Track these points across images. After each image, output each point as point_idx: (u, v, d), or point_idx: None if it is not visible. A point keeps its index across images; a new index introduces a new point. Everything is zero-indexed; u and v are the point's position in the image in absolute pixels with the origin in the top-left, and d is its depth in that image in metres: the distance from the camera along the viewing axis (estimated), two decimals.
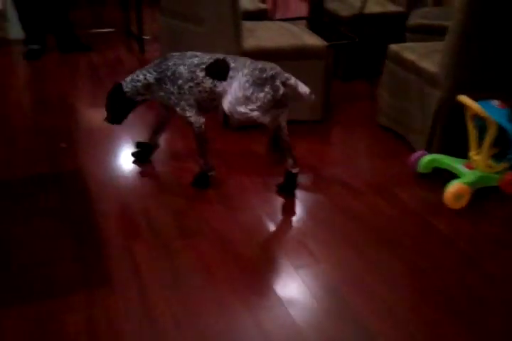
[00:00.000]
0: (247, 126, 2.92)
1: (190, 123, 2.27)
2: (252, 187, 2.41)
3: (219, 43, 2.91)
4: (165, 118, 2.50)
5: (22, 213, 2.19)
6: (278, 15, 4.85)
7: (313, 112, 2.96)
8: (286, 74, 2.14)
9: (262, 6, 3.84)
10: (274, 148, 2.32)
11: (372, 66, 3.53)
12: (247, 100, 2.09)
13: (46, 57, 4.03)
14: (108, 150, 2.71)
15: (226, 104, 2.15)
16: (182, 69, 2.22)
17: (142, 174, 2.51)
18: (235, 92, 2.12)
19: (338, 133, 2.99)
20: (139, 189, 2.38)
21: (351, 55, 3.56)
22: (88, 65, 3.92)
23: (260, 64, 2.16)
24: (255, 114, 2.11)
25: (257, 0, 4.15)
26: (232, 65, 2.17)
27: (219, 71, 2.18)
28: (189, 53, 2.30)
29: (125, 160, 2.61)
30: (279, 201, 2.32)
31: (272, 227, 2.16)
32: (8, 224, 2.12)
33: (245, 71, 2.12)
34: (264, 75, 2.09)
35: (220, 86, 2.18)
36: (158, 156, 2.62)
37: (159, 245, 2.02)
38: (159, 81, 2.26)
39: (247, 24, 3.04)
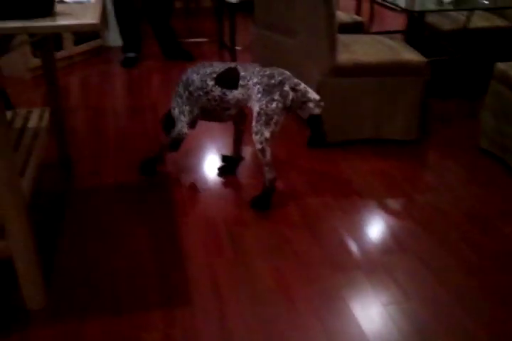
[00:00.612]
0: (331, 144, 2.83)
1: (176, 128, 2.37)
2: (336, 207, 2.31)
3: (312, 56, 2.84)
4: (239, 131, 2.52)
5: (102, 224, 2.22)
6: (374, 28, 4.71)
7: (407, 131, 2.81)
8: (296, 80, 2.15)
9: (358, 18, 3.73)
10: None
11: (474, 84, 3.32)
12: (266, 117, 2.11)
13: (141, 64, 4.15)
14: (195, 161, 2.71)
15: (253, 127, 2.17)
16: (195, 77, 2.30)
17: (227, 187, 2.47)
18: (255, 107, 2.15)
19: (434, 155, 2.81)
20: (224, 203, 2.34)
21: (452, 71, 3.37)
22: (181, 73, 3.95)
23: (268, 70, 2.17)
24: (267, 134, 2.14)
25: (352, 12, 4.04)
26: (242, 73, 2.20)
27: (228, 80, 2.22)
28: (207, 63, 2.36)
29: (212, 172, 2.59)
30: (367, 225, 2.20)
31: (357, 255, 2.03)
32: (86, 237, 2.14)
33: (255, 79, 2.15)
34: (273, 81, 2.11)
35: (231, 94, 2.21)
36: (245, 169, 2.59)
37: (241, 264, 1.96)
38: (179, 87, 2.38)
39: (342, 37, 2.95)
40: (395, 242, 2.09)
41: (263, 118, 2.12)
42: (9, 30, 1.27)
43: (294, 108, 2.18)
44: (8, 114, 2.55)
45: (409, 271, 1.94)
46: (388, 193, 2.43)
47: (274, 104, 2.10)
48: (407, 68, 2.71)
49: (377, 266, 1.96)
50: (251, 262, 1.97)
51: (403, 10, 3.15)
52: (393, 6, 3.37)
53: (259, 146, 2.17)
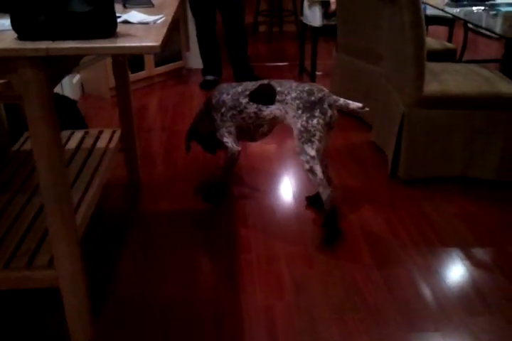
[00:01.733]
0: (419, 179, 2.59)
1: (226, 148, 2.35)
2: (415, 252, 2.07)
3: (397, 85, 2.63)
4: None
5: (162, 253, 2.10)
6: (466, 56, 4.42)
7: (502, 171, 2.50)
8: (335, 97, 2.10)
9: (449, 45, 3.48)
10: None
11: None
12: (307, 133, 2.06)
13: None
14: (263, 190, 2.56)
15: (296, 147, 2.12)
16: (225, 97, 2.29)
17: (296, 220, 2.29)
18: (295, 124, 2.10)
19: None
20: (291, 238, 2.17)
21: None
22: None
23: (307, 86, 2.13)
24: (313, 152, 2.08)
25: (443, 39, 3.80)
26: (278, 88, 2.17)
27: (264, 95, 2.20)
28: (235, 83, 2.34)
29: (279, 202, 2.43)
30: (449, 277, 1.94)
31: (437, 313, 1.79)
32: (143, 265, 2.04)
33: (293, 94, 2.11)
34: (313, 98, 2.08)
35: (267, 110, 2.20)
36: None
37: (303, 311, 1.77)
38: (207, 110, 2.38)
39: (431, 65, 2.73)
40: (481, 302, 1.82)
41: (305, 135, 2.07)
42: (63, 51, 1.19)
43: (331, 124, 2.13)
44: (80, 134, 2.54)
45: (498, 338, 1.67)
46: (476, 241, 2.16)
47: (315, 121, 2.06)
48: (504, 102, 2.44)
49: (460, 329, 1.70)
50: (314, 309, 1.78)
51: (500, 36, 2.88)
52: (489, 33, 3.10)
53: (306, 166, 2.10)
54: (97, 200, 2.02)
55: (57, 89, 3.55)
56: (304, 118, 2.06)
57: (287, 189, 2.57)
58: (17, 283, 1.56)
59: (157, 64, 4.18)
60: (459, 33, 4.65)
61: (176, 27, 4.29)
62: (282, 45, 5.47)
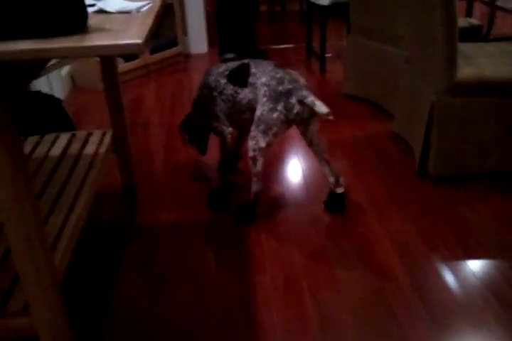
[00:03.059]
0: (452, 175, 2.29)
1: (218, 133, 2.18)
2: (452, 263, 1.79)
3: (423, 71, 2.32)
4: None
5: (162, 272, 1.83)
6: (493, 34, 4.06)
7: None
8: (305, 92, 1.86)
9: (475, 22, 3.14)
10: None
11: None
12: (265, 124, 1.89)
13: None
14: (276, 197, 2.27)
15: (251, 131, 1.94)
16: (210, 78, 2.13)
17: (315, 232, 2.01)
18: (257, 110, 1.93)
19: None
20: (310, 255, 1.88)
21: None
22: None
23: (281, 72, 1.92)
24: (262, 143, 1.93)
25: (461, 14, 3.46)
26: (253, 70, 2.00)
27: (239, 76, 2.03)
28: (223, 64, 2.17)
29: (296, 209, 2.14)
30: (494, 292, 1.66)
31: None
32: (141, 287, 1.76)
33: (263, 79, 1.93)
34: (280, 88, 1.87)
35: (242, 93, 2.01)
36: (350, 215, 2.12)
37: None
38: (197, 97, 2.21)
39: (461, 47, 2.40)
40: None
41: (262, 125, 1.90)
42: (9, 56, 0.89)
43: (298, 122, 1.94)
44: (66, 137, 2.24)
45: None
46: None
47: (275, 115, 1.87)
48: None
49: None
50: None
51: None
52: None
53: (251, 154, 1.95)
54: (84, 219, 1.74)
55: (44, 84, 3.25)
56: (266, 108, 1.88)
57: (301, 192, 2.28)
58: None
59: (152, 51, 3.85)
60: (478, 7, 4.28)
61: (170, 11, 3.96)
62: (286, 26, 5.12)
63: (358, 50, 3.09)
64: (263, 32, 4.87)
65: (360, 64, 3.08)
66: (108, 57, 2.05)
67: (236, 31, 3.89)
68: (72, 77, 3.67)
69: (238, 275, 1.80)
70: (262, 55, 4.07)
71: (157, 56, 3.89)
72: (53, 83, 3.36)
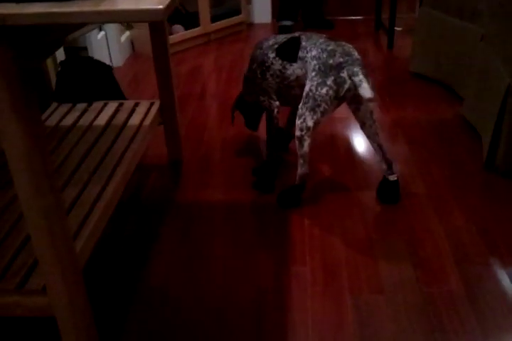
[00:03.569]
0: None
1: (265, 108, 2.06)
2: None
3: (502, 50, 2.07)
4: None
5: (198, 259, 1.75)
6: None
7: None
8: (357, 68, 1.70)
9: None
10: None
11: None
12: (313, 101, 1.75)
13: None
14: (325, 180, 2.13)
15: (299, 109, 1.81)
16: (258, 52, 2.00)
17: (360, 220, 1.87)
18: (306, 85, 1.79)
19: None
20: (357, 253, 1.75)
21: None
22: None
23: (332, 45, 1.77)
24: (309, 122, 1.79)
25: None
26: (303, 43, 1.86)
27: (288, 50, 1.89)
28: (273, 36, 2.02)
29: (347, 195, 1.99)
30: None
31: None
32: (174, 276, 1.69)
33: (314, 52, 1.79)
34: (331, 61, 1.73)
35: (290, 68, 1.89)
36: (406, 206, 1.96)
37: None
38: (247, 72, 2.10)
39: None
40: None
41: (310, 101, 1.77)
42: (26, 19, 0.79)
43: (349, 99, 1.79)
44: (113, 106, 2.18)
45: None
46: None
47: (324, 90, 1.73)
48: None
49: None
50: None
51: None
52: None
53: (298, 133, 1.83)
54: (120, 193, 1.67)
55: (102, 49, 3.20)
56: (315, 83, 1.75)
57: (352, 178, 2.13)
58: (2, 310, 1.24)
59: (213, 19, 3.72)
60: None
61: None
62: None
63: (430, 24, 2.84)
64: (332, 1, 4.62)
65: (432, 40, 2.83)
66: (154, 22, 1.95)
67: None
68: (132, 43, 3.61)
69: (275, 262, 1.69)
70: (329, 26, 3.89)
71: (219, 24, 3.76)
72: (112, 48, 3.31)
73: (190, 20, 3.63)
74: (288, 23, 3.77)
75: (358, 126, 1.90)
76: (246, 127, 2.31)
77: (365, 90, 1.66)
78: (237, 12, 3.88)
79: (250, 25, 4.08)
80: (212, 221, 1.91)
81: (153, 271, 1.68)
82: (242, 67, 3.30)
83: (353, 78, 1.69)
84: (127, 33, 3.55)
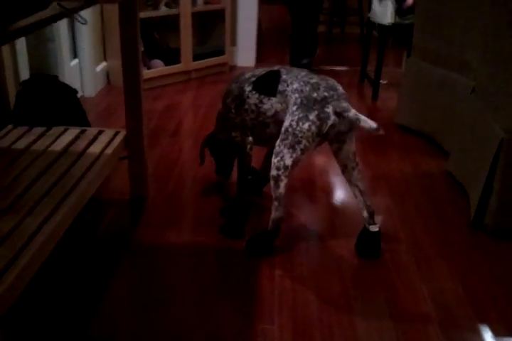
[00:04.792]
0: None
1: (237, 145, 1.90)
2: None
3: (494, 102, 1.97)
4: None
5: (155, 302, 1.51)
6: None
7: None
8: (345, 103, 1.58)
9: None
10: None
11: None
12: (293, 137, 1.59)
13: None
14: (299, 223, 1.94)
15: (276, 146, 1.66)
16: (233, 86, 1.87)
17: (336, 267, 1.67)
18: (285, 120, 1.64)
19: None
20: (327, 301, 1.54)
21: None
22: None
23: (315, 78, 1.65)
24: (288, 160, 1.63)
25: None
26: (284, 76, 1.71)
27: (267, 84, 1.74)
28: (251, 70, 1.89)
29: (322, 240, 1.80)
30: None
31: None
32: (126, 319, 1.45)
33: (295, 85, 1.64)
34: (315, 95, 1.59)
35: (268, 103, 1.73)
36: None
37: None
38: (220, 108, 1.99)
39: None
40: None
41: (290, 138, 1.61)
42: None
43: (332, 137, 1.63)
44: (74, 132, 1.98)
45: None
46: None
47: (306, 125, 1.58)
48: None
49: None
50: None
51: None
52: None
53: (274, 172, 1.66)
54: (67, 224, 1.45)
55: (75, 77, 3.03)
56: (296, 117, 1.60)
57: (329, 226, 1.94)
58: None
59: (196, 57, 3.62)
60: None
61: (221, 18, 3.73)
62: (343, 48, 4.84)
63: (417, 75, 2.76)
64: (319, 53, 4.59)
65: (419, 91, 2.74)
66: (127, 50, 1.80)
67: (307, 37, 3.79)
68: (107, 75, 3.47)
69: (239, 317, 1.46)
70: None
71: (200, 63, 3.65)
72: (84, 78, 3.15)
73: (171, 56, 3.51)
74: (305, 61, 3.79)
75: (339, 169, 1.74)
76: (216, 174, 2.14)
77: (368, 122, 1.55)
78: (221, 53, 3.79)
79: (233, 67, 3.99)
80: (173, 265, 1.69)
81: (100, 319, 1.44)
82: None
83: (346, 114, 1.56)
84: (104, 64, 3.41)
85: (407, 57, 2.99)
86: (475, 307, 1.55)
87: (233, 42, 3.95)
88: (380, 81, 3.44)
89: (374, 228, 1.73)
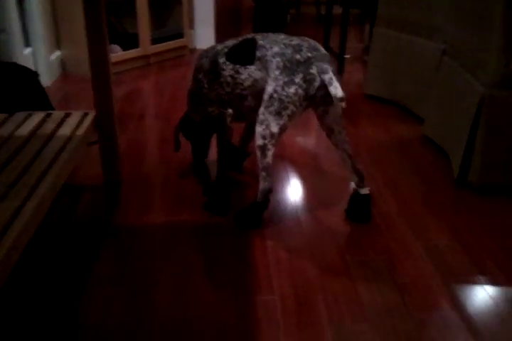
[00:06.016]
0: (498, 185, 1.92)
1: (216, 121, 1.81)
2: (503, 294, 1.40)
3: (471, 61, 1.96)
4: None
5: (138, 283, 1.43)
6: None
7: None
8: (326, 64, 1.52)
9: None
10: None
11: None
12: (278, 103, 1.52)
13: None
14: (287, 197, 1.88)
15: (259, 115, 1.58)
16: (203, 60, 1.79)
17: (330, 239, 1.62)
18: (267, 87, 1.56)
19: None
20: (326, 269, 1.49)
21: None
22: None
23: (296, 39, 1.59)
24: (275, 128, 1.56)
25: None
26: (260, 42, 1.62)
27: (242, 52, 1.66)
28: (221, 42, 1.80)
29: (312, 213, 1.75)
30: None
31: None
32: (112, 305, 1.36)
33: (275, 49, 1.57)
34: (298, 56, 1.52)
35: (245, 72, 1.64)
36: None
37: None
38: (190, 86, 1.91)
39: None
40: None
41: (275, 104, 1.53)
42: None
43: (318, 100, 1.55)
44: (39, 116, 1.87)
45: None
46: None
47: (292, 89, 1.51)
48: None
49: None
50: None
51: None
52: None
53: (260, 142, 1.58)
54: (44, 211, 1.35)
55: (29, 66, 2.88)
56: (281, 82, 1.52)
57: (318, 195, 1.90)
58: None
59: (154, 41, 3.50)
60: None
61: (178, 1, 3.62)
62: (300, 29, 4.80)
63: (385, 44, 2.74)
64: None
65: (387, 60, 2.73)
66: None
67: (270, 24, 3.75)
68: (63, 64, 3.32)
69: (237, 292, 1.40)
70: None
71: (159, 46, 3.54)
72: (39, 66, 3.01)
73: (129, 40, 3.39)
74: None
75: (324, 134, 1.69)
76: (193, 156, 2.06)
77: (337, 89, 1.47)
78: (180, 36, 3.68)
79: (193, 50, 3.89)
80: (159, 246, 1.61)
81: (87, 307, 1.35)
82: (183, 92, 3.07)
83: (323, 76, 1.50)
84: (58, 53, 3.26)
85: (372, 27, 2.96)
86: (472, 260, 1.54)
87: (191, 26, 3.85)
88: (345, 56, 3.41)
89: (364, 191, 1.69)
